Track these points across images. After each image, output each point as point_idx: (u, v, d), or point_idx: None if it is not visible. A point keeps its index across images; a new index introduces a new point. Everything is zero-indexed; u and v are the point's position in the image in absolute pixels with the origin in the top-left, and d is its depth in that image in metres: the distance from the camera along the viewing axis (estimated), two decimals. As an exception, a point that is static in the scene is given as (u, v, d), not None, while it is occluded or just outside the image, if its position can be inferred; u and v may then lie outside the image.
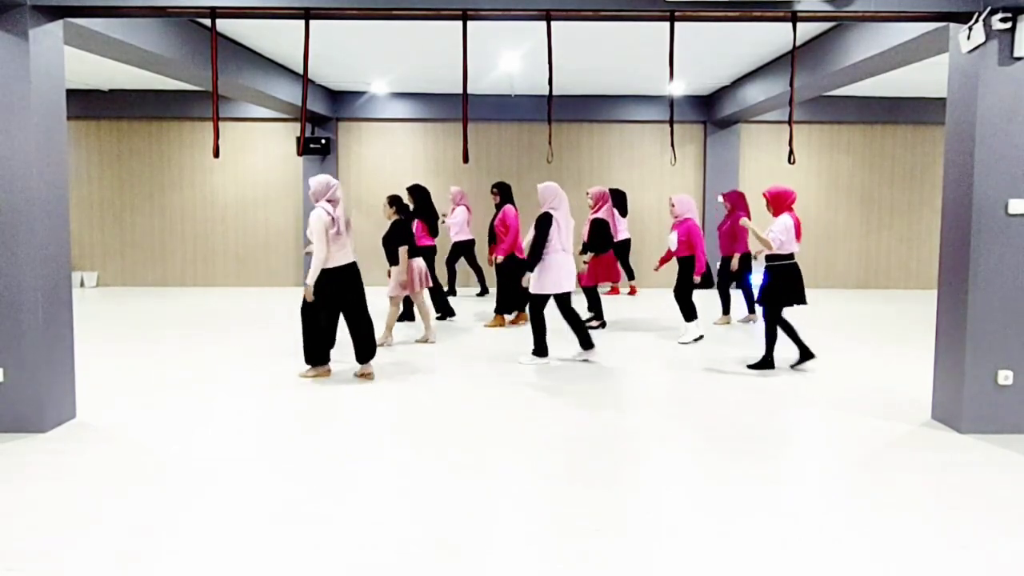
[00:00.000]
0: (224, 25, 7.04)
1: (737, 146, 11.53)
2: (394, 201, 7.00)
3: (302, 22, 4.69)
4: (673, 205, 7.38)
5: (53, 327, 4.48)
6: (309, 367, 5.88)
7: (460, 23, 4.67)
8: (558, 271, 6.22)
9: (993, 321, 4.47)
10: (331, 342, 5.86)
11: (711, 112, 11.31)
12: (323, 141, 11.13)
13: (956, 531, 3.18)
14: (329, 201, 5.48)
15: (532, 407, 5.08)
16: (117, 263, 11.64)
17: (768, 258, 5.97)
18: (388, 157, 11.68)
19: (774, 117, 11.16)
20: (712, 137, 11.49)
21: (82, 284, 11.46)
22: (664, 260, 7.79)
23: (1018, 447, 4.28)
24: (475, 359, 6.60)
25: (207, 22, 6.71)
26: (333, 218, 5.43)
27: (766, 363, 6.12)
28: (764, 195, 6.11)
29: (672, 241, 7.27)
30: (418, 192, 8.29)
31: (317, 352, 5.85)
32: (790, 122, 4.93)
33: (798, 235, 5.92)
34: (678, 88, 10.57)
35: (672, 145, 4.96)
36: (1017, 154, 4.41)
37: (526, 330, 7.95)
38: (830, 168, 11.75)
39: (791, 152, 4.90)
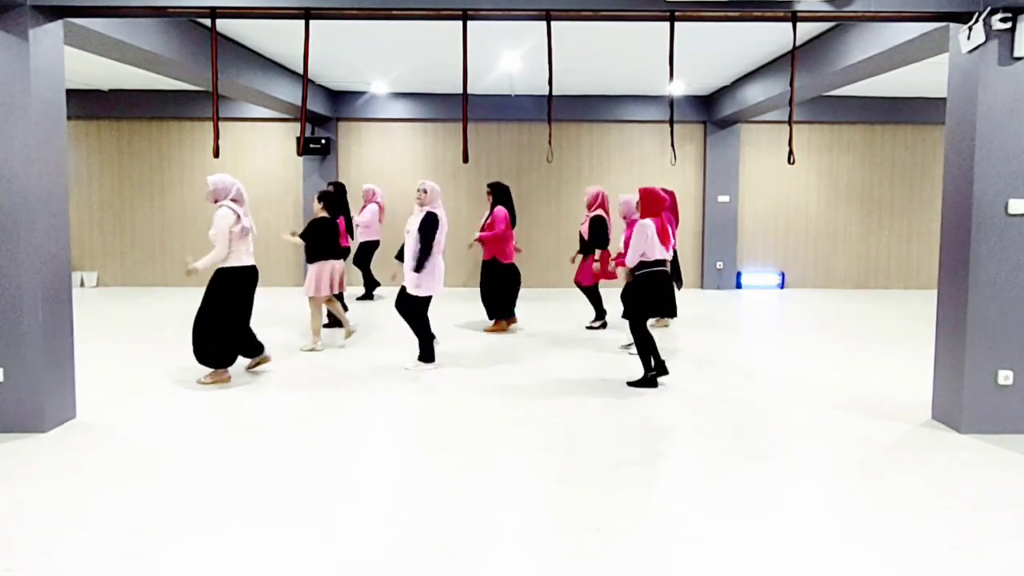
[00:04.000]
0: (224, 25, 7.03)
1: (737, 146, 11.54)
2: (322, 198, 7.00)
3: (302, 22, 4.69)
4: (620, 205, 7.04)
5: (53, 327, 4.48)
6: (212, 371, 5.63)
7: (460, 23, 4.67)
8: (440, 274, 6.16)
9: (993, 321, 4.47)
10: (244, 344, 5.77)
11: (711, 112, 11.31)
12: (323, 141, 11.13)
13: (956, 531, 3.18)
14: (234, 200, 5.53)
15: (529, 407, 5.08)
16: (117, 263, 11.64)
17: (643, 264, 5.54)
18: (388, 157, 11.68)
19: (774, 117, 11.16)
20: (712, 137, 11.50)
21: (82, 284, 11.46)
22: (618, 263, 7.14)
23: (1018, 447, 4.28)
24: (465, 362, 6.60)
25: (207, 22, 6.71)
26: (239, 216, 5.47)
27: (647, 381, 5.61)
28: (640, 192, 5.69)
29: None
30: (336, 190, 8.37)
31: (224, 355, 5.60)
32: (790, 122, 4.93)
33: (664, 240, 5.54)
34: (678, 88, 10.57)
35: (672, 145, 4.96)
36: (1017, 154, 4.41)
37: (519, 330, 7.97)
38: (830, 168, 11.76)
39: (791, 152, 4.90)
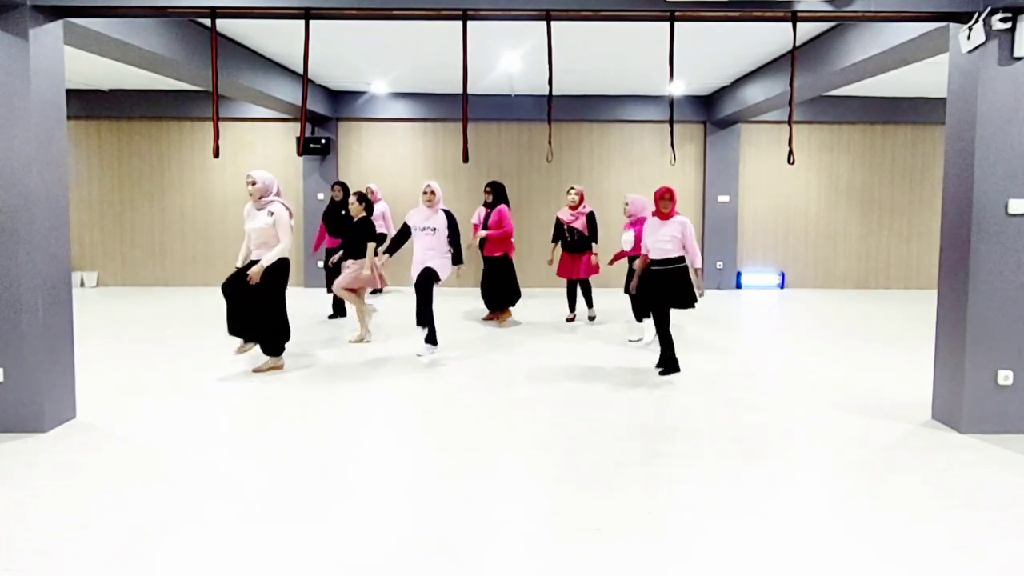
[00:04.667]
0: (224, 25, 7.04)
1: (737, 146, 11.54)
2: (362, 199, 7.23)
3: (302, 22, 4.69)
4: (627, 204, 7.34)
5: (53, 327, 4.48)
6: (271, 359, 6.02)
7: (460, 23, 4.67)
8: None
9: (993, 321, 4.47)
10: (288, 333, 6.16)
11: (711, 112, 11.31)
12: (323, 141, 11.13)
13: (956, 531, 3.18)
14: (277, 195, 5.88)
15: (529, 407, 5.08)
16: (117, 263, 11.64)
17: (668, 260, 5.76)
18: (388, 157, 11.69)
19: (774, 117, 11.16)
20: (712, 137, 11.50)
21: (82, 284, 11.46)
22: (617, 258, 7.66)
23: (1018, 447, 4.28)
24: (465, 360, 6.60)
25: (207, 22, 6.71)
26: (291, 211, 5.87)
27: (674, 365, 5.95)
28: (667, 193, 5.75)
29: (627, 240, 7.13)
30: (345, 192, 8.54)
31: (279, 343, 6.04)
32: (790, 122, 4.93)
33: None
34: (678, 88, 10.57)
35: (672, 145, 4.96)
36: (1017, 154, 4.41)
37: (518, 328, 7.98)
38: (830, 168, 11.76)
39: (791, 152, 4.90)
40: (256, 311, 5.78)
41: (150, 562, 2.85)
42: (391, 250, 6.75)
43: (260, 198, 5.76)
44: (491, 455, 4.14)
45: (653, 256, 5.82)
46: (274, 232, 5.70)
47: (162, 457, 4.05)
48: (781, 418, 4.88)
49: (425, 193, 6.51)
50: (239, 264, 5.88)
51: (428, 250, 6.47)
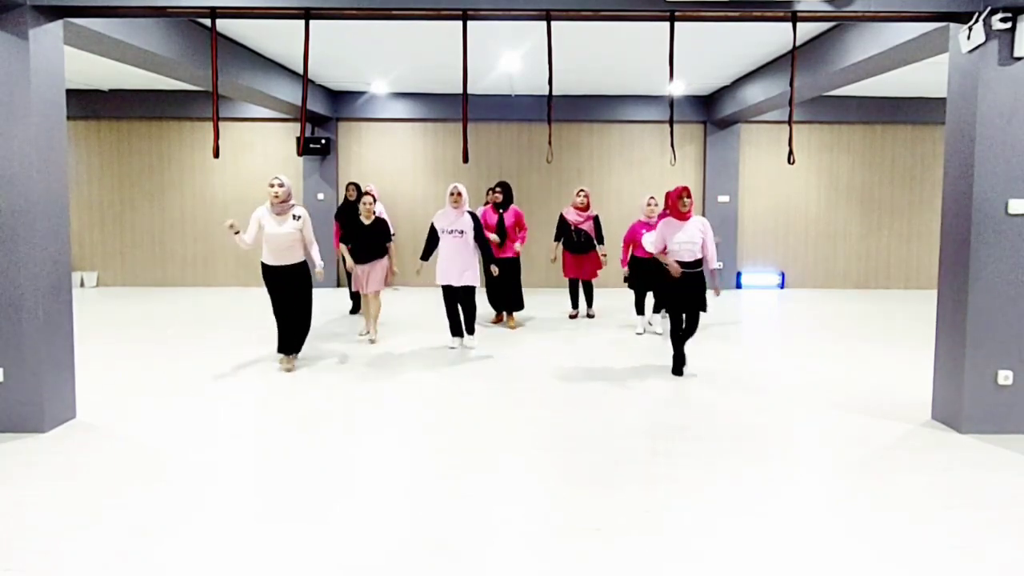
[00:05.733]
0: (224, 25, 7.03)
1: (737, 146, 11.53)
2: (375, 199, 7.31)
3: (302, 22, 4.69)
4: (658, 205, 7.44)
5: (53, 327, 4.48)
6: (291, 356, 6.17)
7: (460, 23, 4.67)
8: None
9: (993, 321, 4.48)
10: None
11: (711, 112, 11.30)
12: (323, 141, 11.13)
13: (956, 531, 3.18)
14: None
15: (529, 407, 5.08)
16: (117, 263, 11.64)
17: (694, 263, 5.79)
18: (388, 157, 11.68)
19: (774, 117, 11.16)
20: (712, 137, 11.49)
21: (82, 284, 11.46)
22: (626, 257, 7.73)
23: (1018, 447, 4.28)
24: (465, 360, 6.60)
25: (207, 22, 6.71)
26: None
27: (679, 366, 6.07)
28: (685, 192, 5.75)
29: (652, 242, 7.13)
30: (358, 192, 8.59)
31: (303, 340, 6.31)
32: (790, 122, 4.93)
33: None
34: (678, 88, 10.57)
35: (672, 145, 4.96)
36: (1017, 154, 4.41)
37: (517, 333, 7.98)
38: (830, 168, 11.76)
39: (791, 152, 4.91)
40: (300, 312, 6.03)
41: (150, 562, 2.86)
42: (425, 255, 6.86)
43: (283, 202, 5.84)
44: (491, 455, 4.14)
45: (677, 258, 5.77)
46: (300, 236, 5.90)
47: (162, 457, 4.05)
48: (781, 418, 4.88)
49: (452, 195, 6.67)
50: (268, 261, 5.97)
51: (457, 255, 6.63)
